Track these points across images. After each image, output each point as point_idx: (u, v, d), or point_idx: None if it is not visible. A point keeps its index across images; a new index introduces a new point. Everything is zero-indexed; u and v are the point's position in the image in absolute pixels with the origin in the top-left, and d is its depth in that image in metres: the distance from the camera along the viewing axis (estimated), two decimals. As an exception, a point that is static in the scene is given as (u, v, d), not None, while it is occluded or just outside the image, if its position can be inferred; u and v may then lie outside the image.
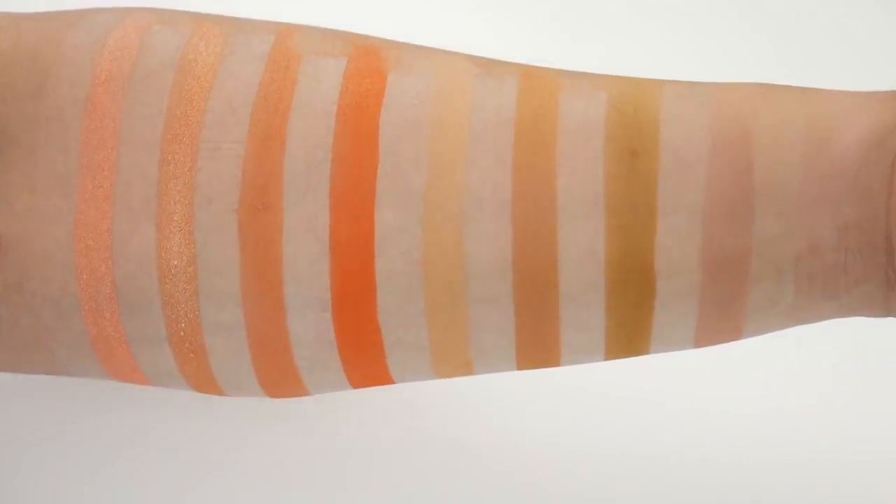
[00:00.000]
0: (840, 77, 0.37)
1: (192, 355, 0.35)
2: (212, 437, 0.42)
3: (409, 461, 0.42)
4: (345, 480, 0.42)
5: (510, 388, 0.43)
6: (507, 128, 0.33)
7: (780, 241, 0.32)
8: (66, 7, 0.37)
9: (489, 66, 0.35)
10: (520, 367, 0.36)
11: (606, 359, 0.35)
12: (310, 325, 0.34)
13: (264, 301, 0.34)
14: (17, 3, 0.39)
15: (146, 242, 0.34)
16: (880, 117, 0.32)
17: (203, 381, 0.36)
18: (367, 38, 0.36)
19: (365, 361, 0.35)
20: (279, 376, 0.35)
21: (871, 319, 0.34)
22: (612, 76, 0.34)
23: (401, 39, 0.36)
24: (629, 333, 0.34)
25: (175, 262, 0.34)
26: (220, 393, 0.37)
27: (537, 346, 0.35)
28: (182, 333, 0.34)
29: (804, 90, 0.33)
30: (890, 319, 0.34)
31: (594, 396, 0.43)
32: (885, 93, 0.33)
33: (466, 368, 0.36)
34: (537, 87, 0.34)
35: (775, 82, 0.34)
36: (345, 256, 0.33)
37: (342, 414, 0.43)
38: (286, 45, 0.34)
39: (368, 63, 0.34)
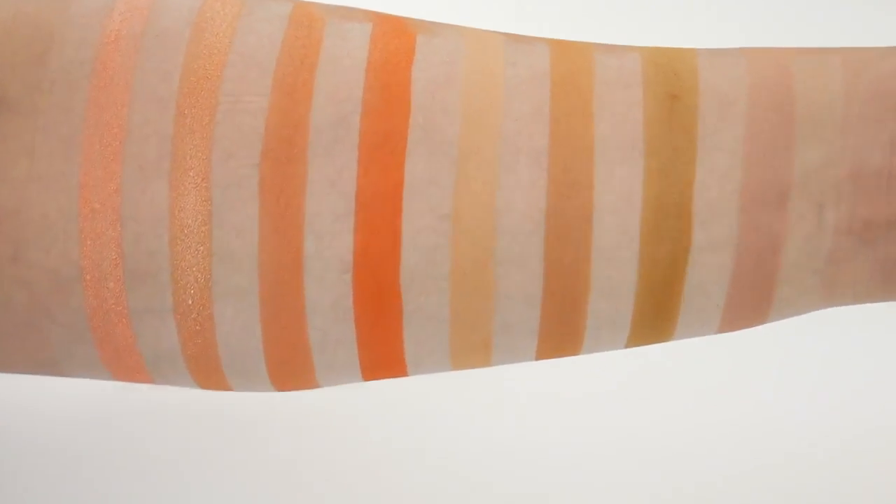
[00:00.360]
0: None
1: (197, 328, 0.33)
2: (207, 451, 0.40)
3: (409, 463, 0.40)
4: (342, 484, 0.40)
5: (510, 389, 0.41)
6: (542, 81, 0.32)
7: (824, 170, 0.31)
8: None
9: (517, 36, 0.34)
10: (540, 349, 0.35)
11: (629, 340, 0.34)
12: (327, 288, 0.32)
13: (282, 260, 0.32)
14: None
15: (158, 201, 0.32)
16: None
17: (205, 364, 0.34)
18: (387, 13, 0.35)
19: (380, 336, 0.33)
20: (289, 352, 0.33)
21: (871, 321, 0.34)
22: (642, 46, 0.34)
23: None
24: (658, 300, 0.33)
25: (189, 222, 0.32)
26: (221, 382, 0.35)
27: (563, 318, 0.33)
28: (190, 302, 0.33)
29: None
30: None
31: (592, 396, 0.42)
32: None
33: (485, 351, 0.34)
34: (569, 49, 0.34)
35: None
36: (370, 211, 0.32)
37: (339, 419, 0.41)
38: (307, 9, 0.34)
39: (395, 26, 0.34)
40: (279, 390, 0.36)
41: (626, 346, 0.35)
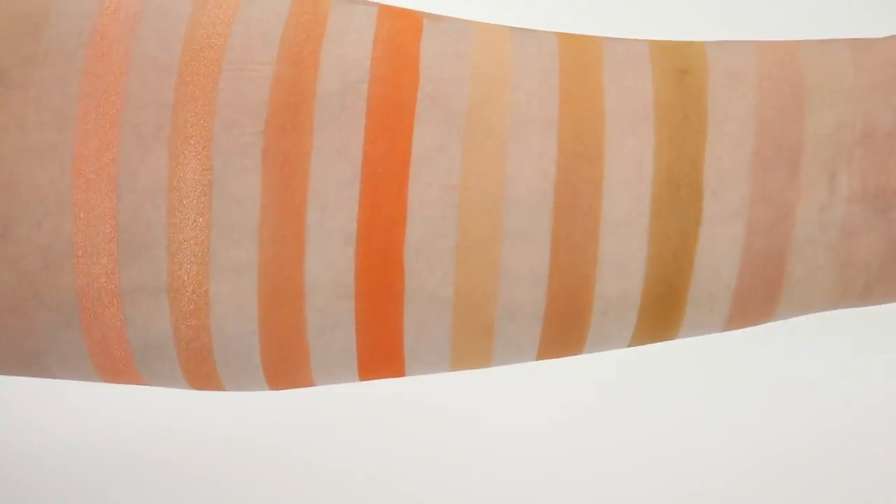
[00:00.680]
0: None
1: (192, 307, 0.32)
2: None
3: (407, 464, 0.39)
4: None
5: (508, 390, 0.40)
6: (551, 58, 0.32)
7: (835, 135, 0.31)
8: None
9: (523, 28, 0.34)
10: (542, 341, 0.34)
11: (635, 334, 0.34)
12: (329, 263, 0.31)
13: (284, 232, 0.31)
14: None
15: (157, 170, 0.31)
16: None
17: (196, 351, 0.33)
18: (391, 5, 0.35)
19: (380, 316, 0.32)
20: (285, 335, 0.32)
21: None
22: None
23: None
24: (668, 277, 0.32)
25: (188, 192, 0.31)
26: (211, 374, 0.33)
27: (569, 301, 0.33)
28: (186, 278, 0.31)
29: None
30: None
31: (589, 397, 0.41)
32: None
33: (487, 339, 0.33)
34: (577, 37, 0.34)
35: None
36: (376, 180, 0.31)
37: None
38: None
39: (400, 10, 0.33)
40: (272, 387, 0.34)
41: (631, 342, 0.34)
